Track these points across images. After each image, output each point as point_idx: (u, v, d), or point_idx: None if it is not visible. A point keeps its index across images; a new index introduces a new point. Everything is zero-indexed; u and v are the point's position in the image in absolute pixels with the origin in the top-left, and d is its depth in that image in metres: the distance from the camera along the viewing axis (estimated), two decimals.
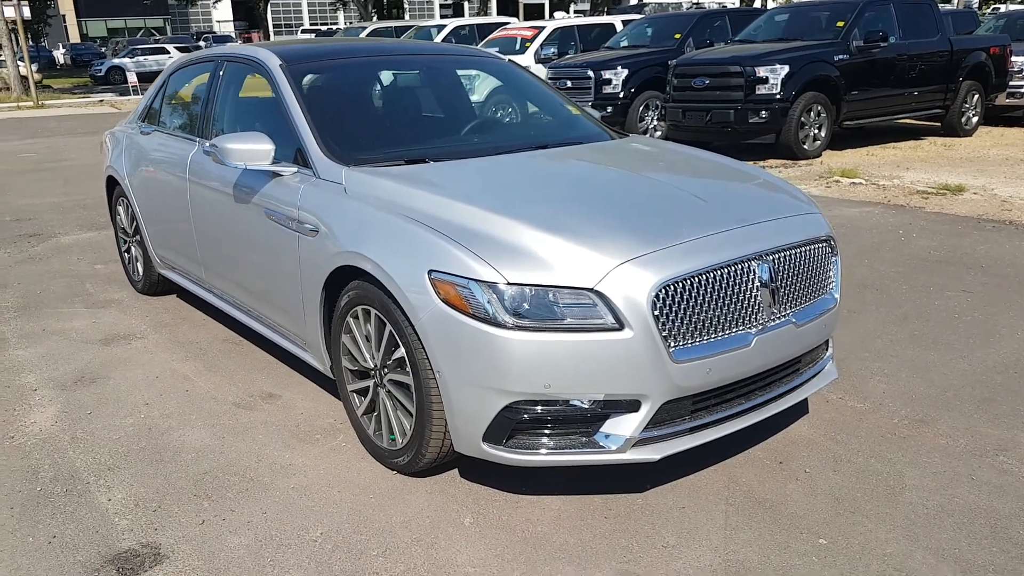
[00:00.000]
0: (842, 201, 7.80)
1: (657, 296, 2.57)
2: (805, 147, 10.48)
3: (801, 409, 3.55)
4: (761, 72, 10.23)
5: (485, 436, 2.67)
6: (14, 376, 4.13)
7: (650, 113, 12.47)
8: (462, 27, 18.29)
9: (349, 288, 3.05)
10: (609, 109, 12.27)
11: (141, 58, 35.73)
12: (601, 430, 2.67)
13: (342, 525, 2.79)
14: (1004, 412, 3.48)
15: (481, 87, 5.64)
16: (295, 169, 3.44)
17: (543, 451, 2.67)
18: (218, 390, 3.90)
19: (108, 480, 3.11)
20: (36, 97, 24.18)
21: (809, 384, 3.17)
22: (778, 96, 10.13)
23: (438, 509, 2.87)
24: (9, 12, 23.64)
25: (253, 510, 2.89)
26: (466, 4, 69.21)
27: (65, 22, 54.18)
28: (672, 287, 2.60)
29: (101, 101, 25.62)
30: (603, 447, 2.67)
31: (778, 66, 10.15)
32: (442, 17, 50.03)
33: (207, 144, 3.99)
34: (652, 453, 2.69)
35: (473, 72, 4.87)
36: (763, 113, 10.23)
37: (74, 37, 54.02)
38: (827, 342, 3.27)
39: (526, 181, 3.29)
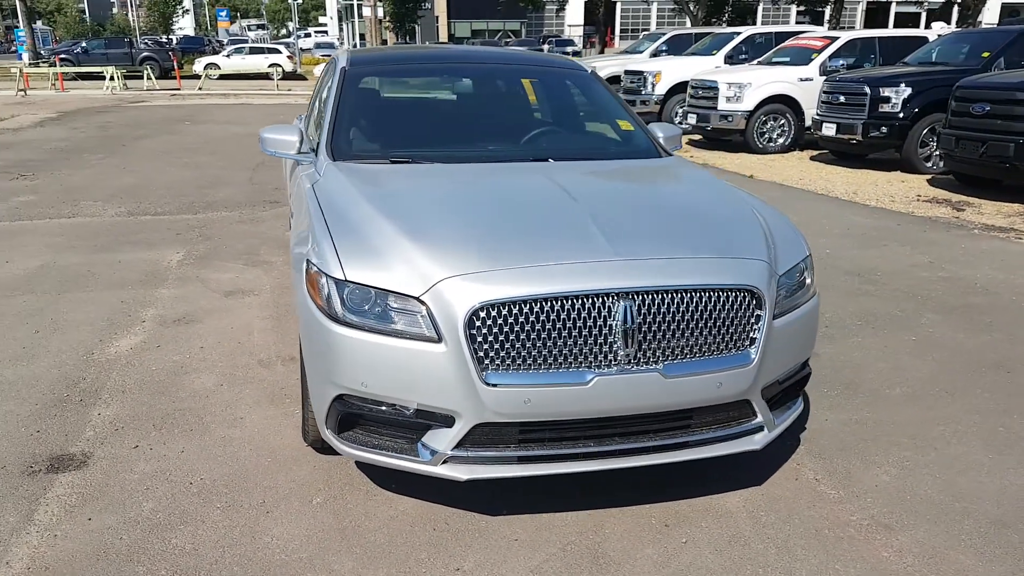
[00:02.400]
0: None
1: (476, 315, 2.51)
2: None
3: (748, 474, 3.14)
4: None
5: (326, 423, 2.82)
6: (140, 309, 5.08)
7: (933, 139, 11.00)
8: (758, 35, 17.51)
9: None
10: (883, 130, 11.13)
11: None
12: (422, 440, 2.68)
13: (226, 476, 3.12)
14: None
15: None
16: (311, 159, 3.82)
17: (368, 448, 2.75)
18: (260, 348, 4.45)
19: (113, 400, 3.77)
20: None
21: (711, 447, 2.83)
22: None
23: (304, 484, 3.07)
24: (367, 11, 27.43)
25: (176, 447, 3.34)
26: (827, 11, 65.24)
27: (438, 23, 61.16)
28: (494, 308, 2.51)
29: None
30: (419, 456, 2.68)
31: None
32: (797, 24, 47.79)
33: None
34: (461, 472, 2.63)
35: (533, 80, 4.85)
36: None
37: (443, 36, 60.80)
38: (750, 406, 2.86)
39: (466, 190, 3.32)
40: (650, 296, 2.61)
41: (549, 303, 2.53)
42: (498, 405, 2.54)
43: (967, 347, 4.54)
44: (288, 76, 34.96)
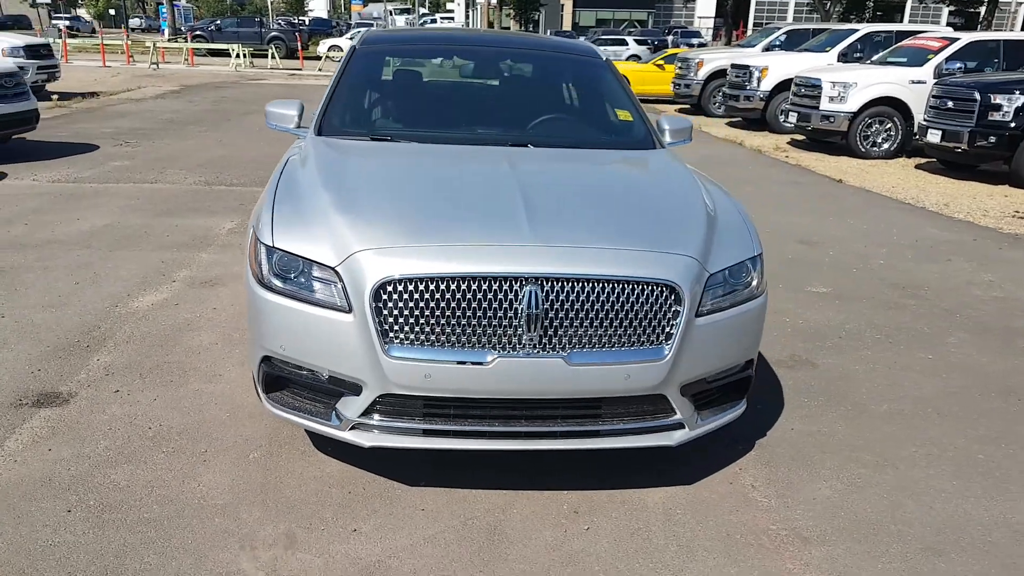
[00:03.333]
0: None
1: (383, 288, 2.59)
2: None
3: (682, 472, 3.09)
4: None
5: (257, 382, 2.98)
6: (176, 269, 5.44)
7: None
8: (876, 33, 16.65)
9: None
10: (991, 139, 10.42)
11: (600, 48, 38.87)
12: (337, 405, 2.79)
13: (183, 425, 3.35)
14: None
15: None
16: (305, 133, 3.98)
17: (290, 410, 2.88)
18: None
19: (115, 349, 4.09)
20: None
21: (623, 438, 2.81)
22: None
23: (249, 440, 3.26)
24: None
25: (151, 395, 3.60)
26: (981, 11, 61.00)
27: (562, 11, 61.10)
28: (400, 283, 2.58)
29: None
30: (331, 421, 2.79)
31: None
32: (948, 25, 44.98)
33: None
34: (365, 439, 2.73)
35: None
36: None
37: (567, 25, 60.75)
38: (667, 401, 2.81)
39: (422, 169, 3.40)
40: (559, 283, 2.61)
41: (455, 282, 2.58)
42: (399, 377, 2.62)
43: (986, 371, 4.25)
44: None
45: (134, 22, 36.82)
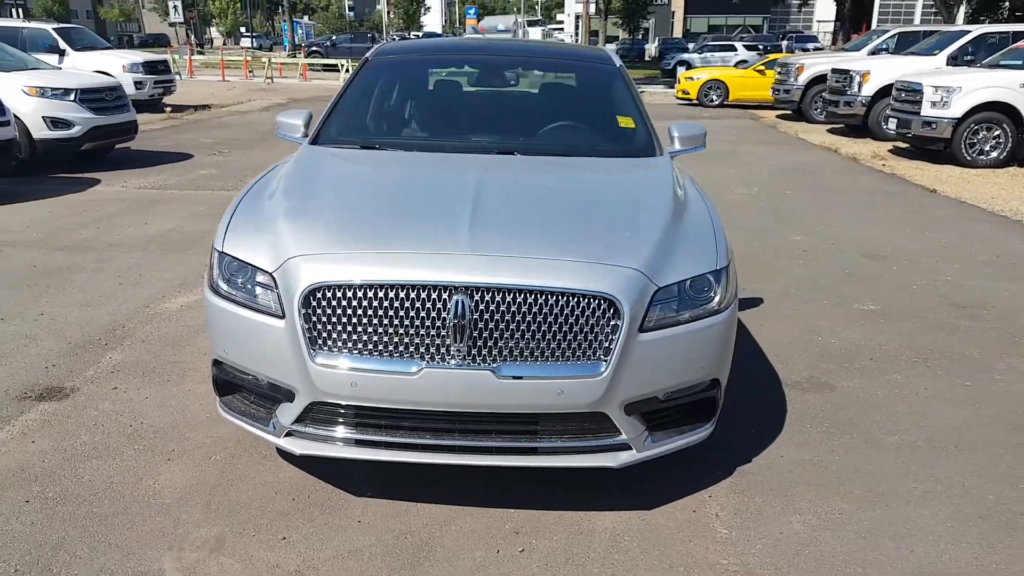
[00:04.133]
0: None
1: (312, 294, 2.58)
2: None
3: (643, 497, 2.93)
4: None
5: (213, 384, 3.03)
6: None
7: None
8: (991, 34, 15.52)
9: None
10: None
11: (708, 54, 38.01)
12: (276, 411, 2.81)
13: (161, 424, 3.46)
14: None
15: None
16: (306, 143, 4.03)
17: (237, 414, 2.92)
18: None
19: (129, 348, 4.28)
20: None
21: (563, 456, 2.70)
22: None
23: (217, 442, 3.32)
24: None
25: (144, 394, 3.74)
26: None
27: (673, 18, 60.22)
28: (329, 290, 2.56)
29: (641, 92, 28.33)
30: (267, 427, 2.81)
31: None
32: None
33: None
34: (297, 447, 2.73)
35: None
36: None
37: (678, 32, 59.79)
38: (610, 421, 2.66)
39: (389, 176, 3.43)
40: (488, 293, 2.53)
41: (383, 290, 2.54)
42: (326, 385, 2.61)
43: None
44: None
45: (245, 42, 38.78)
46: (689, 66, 38.16)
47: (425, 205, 2.99)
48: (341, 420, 2.71)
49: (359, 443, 2.72)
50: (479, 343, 2.55)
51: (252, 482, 3.03)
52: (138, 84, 16.19)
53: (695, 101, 21.23)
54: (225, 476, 3.07)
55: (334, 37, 39.62)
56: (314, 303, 2.59)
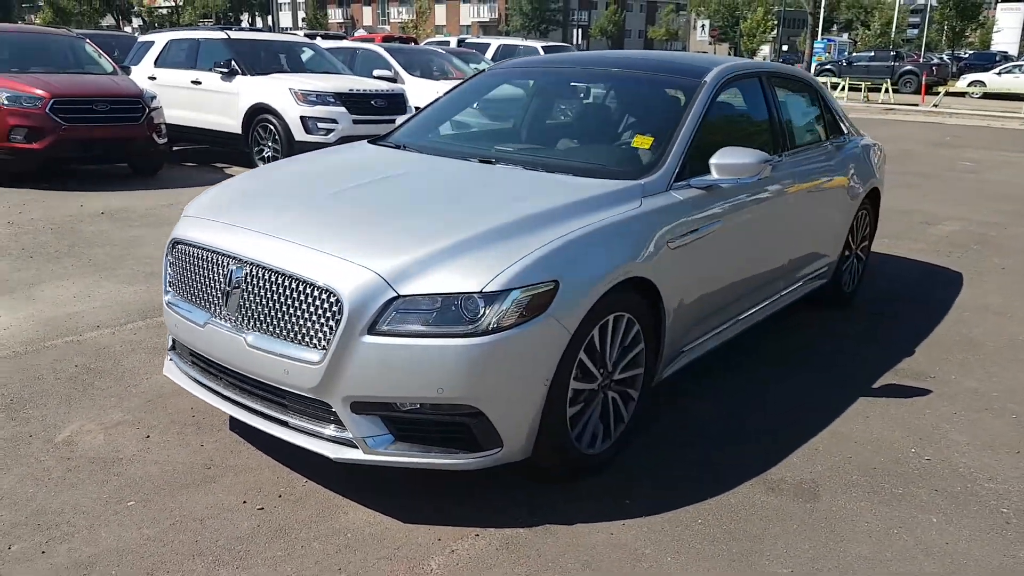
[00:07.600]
0: None
1: (173, 244, 3.18)
2: None
3: (580, 510, 2.76)
4: None
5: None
6: None
7: None
8: None
9: None
10: None
11: None
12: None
13: (158, 398, 3.60)
14: None
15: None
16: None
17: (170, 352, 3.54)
18: None
19: (157, 325, 4.52)
20: None
21: (301, 436, 2.79)
22: None
23: (204, 419, 3.43)
24: None
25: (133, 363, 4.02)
26: None
27: None
28: (179, 244, 3.12)
29: None
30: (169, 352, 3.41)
31: None
32: None
33: None
34: (168, 370, 3.29)
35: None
36: None
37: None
38: (334, 414, 2.67)
39: (336, 167, 3.82)
40: (255, 269, 2.80)
41: (200, 250, 3.00)
42: (168, 319, 3.17)
43: None
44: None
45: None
46: None
47: (307, 192, 3.31)
48: (190, 357, 3.20)
49: (193, 380, 3.16)
50: (241, 310, 2.83)
51: (209, 462, 3.12)
52: None
53: None
54: (190, 458, 3.10)
55: (852, 55, 37.27)
56: (174, 252, 3.15)
